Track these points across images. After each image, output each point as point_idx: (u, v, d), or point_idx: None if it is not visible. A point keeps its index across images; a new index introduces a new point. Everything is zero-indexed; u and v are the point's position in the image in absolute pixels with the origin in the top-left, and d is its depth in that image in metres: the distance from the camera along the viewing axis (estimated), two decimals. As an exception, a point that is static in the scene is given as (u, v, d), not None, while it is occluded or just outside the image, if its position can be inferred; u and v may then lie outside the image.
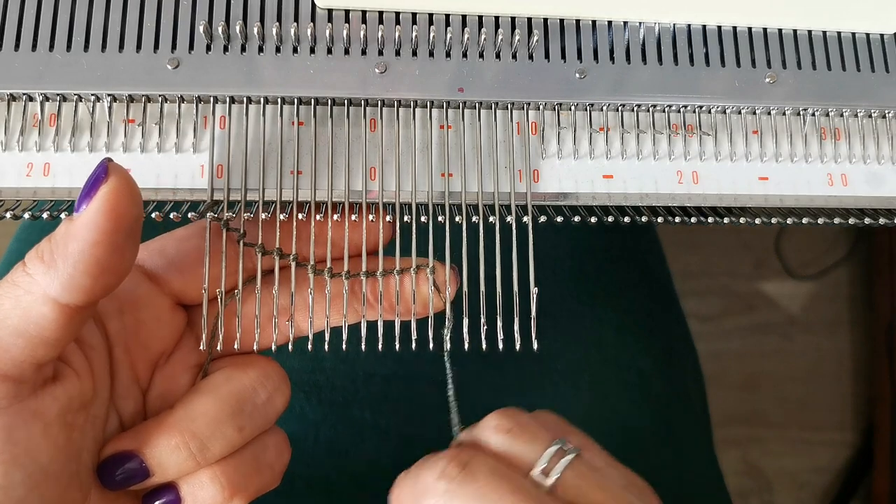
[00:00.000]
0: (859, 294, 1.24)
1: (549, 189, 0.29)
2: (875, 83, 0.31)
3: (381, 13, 0.29)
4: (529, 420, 0.27)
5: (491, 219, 0.28)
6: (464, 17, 0.29)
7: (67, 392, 0.24)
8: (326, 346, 0.27)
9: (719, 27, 0.31)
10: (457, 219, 0.28)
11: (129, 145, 0.28)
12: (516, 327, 0.27)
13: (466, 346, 0.27)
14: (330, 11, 0.29)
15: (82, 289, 0.22)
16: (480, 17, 0.29)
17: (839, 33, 0.31)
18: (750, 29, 0.31)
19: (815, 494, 1.18)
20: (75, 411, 0.25)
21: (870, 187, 0.31)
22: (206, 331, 0.27)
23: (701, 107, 0.30)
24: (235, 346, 0.28)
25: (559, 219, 0.29)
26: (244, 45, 0.28)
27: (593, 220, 0.29)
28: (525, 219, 0.28)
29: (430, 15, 0.29)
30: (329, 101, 0.29)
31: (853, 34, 0.31)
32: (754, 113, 0.31)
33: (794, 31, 0.31)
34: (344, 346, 0.28)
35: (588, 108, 0.30)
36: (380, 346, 0.28)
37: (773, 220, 0.31)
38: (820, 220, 0.31)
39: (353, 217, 0.28)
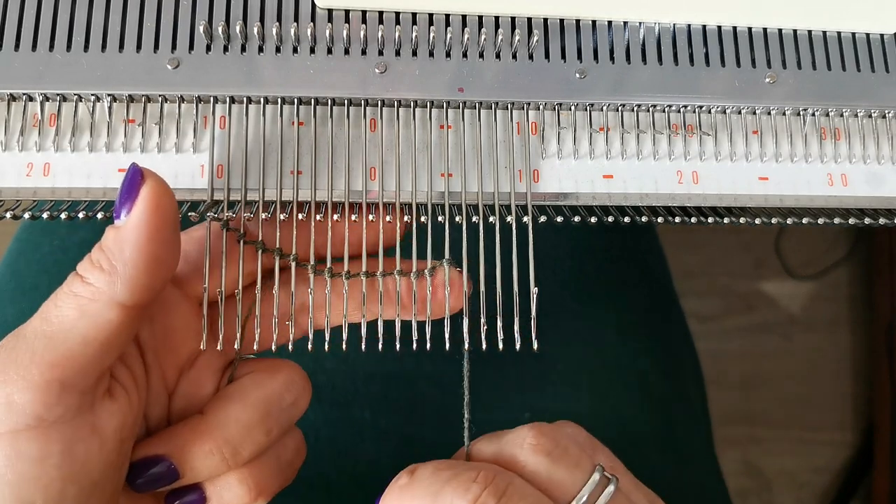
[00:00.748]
0: (859, 294, 1.24)
1: (549, 189, 0.29)
2: (875, 83, 0.31)
3: (381, 13, 0.29)
4: (567, 441, 0.25)
5: (491, 219, 0.28)
6: (464, 17, 0.29)
7: (122, 408, 0.25)
8: (326, 346, 0.27)
9: (719, 27, 0.31)
10: (457, 219, 0.28)
11: (129, 145, 0.28)
12: (516, 327, 0.27)
13: (466, 345, 0.27)
14: (330, 11, 0.29)
15: (144, 287, 0.24)
16: (480, 17, 0.29)
17: (839, 33, 0.31)
18: (750, 29, 0.31)
19: (815, 494, 1.18)
20: (129, 427, 0.25)
21: (870, 187, 0.31)
22: (233, 331, 0.27)
23: (701, 107, 0.30)
24: (243, 346, 0.28)
25: (559, 219, 0.29)
26: (244, 45, 0.28)
27: (593, 220, 0.29)
28: (525, 219, 0.28)
29: (430, 15, 0.29)
30: (329, 101, 0.29)
31: (853, 34, 0.31)
32: (754, 113, 0.31)
33: (794, 31, 0.31)
34: (344, 346, 0.28)
35: (588, 108, 0.30)
36: (380, 347, 0.28)
37: (773, 220, 0.31)
38: (820, 220, 0.31)
39: (354, 217, 0.28)
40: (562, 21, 0.30)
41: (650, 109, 0.30)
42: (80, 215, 0.27)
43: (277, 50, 0.28)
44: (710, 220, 0.30)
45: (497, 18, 0.30)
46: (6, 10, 0.28)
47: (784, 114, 0.31)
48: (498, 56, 0.29)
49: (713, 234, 1.21)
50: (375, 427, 0.44)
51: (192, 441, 0.26)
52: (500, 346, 0.27)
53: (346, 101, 0.29)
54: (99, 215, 0.28)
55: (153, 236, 0.23)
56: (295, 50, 0.28)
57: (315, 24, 0.28)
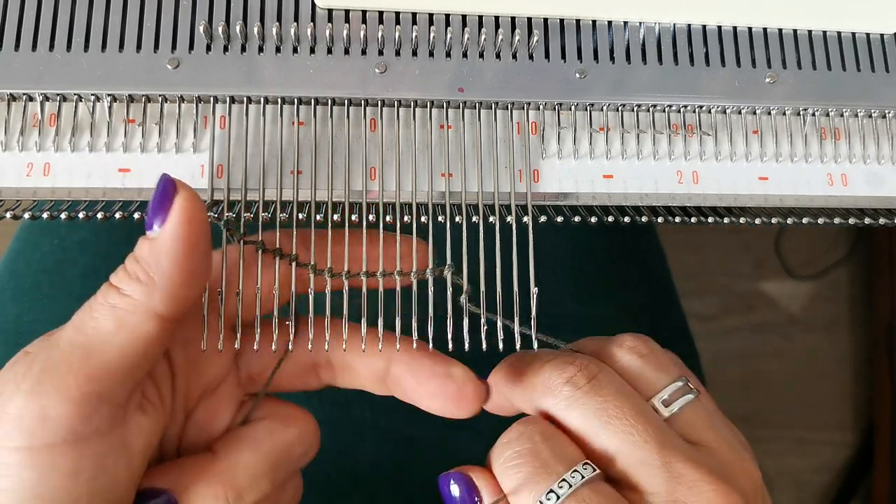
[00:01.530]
0: (859, 294, 1.24)
1: (549, 189, 0.29)
2: (875, 83, 0.31)
3: (381, 13, 0.29)
4: (661, 353, 0.28)
5: (491, 219, 0.28)
6: (464, 17, 0.29)
7: (150, 424, 0.25)
8: (327, 346, 0.27)
9: (719, 27, 0.31)
10: (457, 219, 0.28)
11: (129, 145, 0.28)
12: (516, 327, 0.27)
13: (467, 345, 0.27)
14: (330, 11, 0.29)
15: (181, 298, 0.24)
16: (480, 17, 0.29)
17: (839, 33, 0.31)
18: (750, 29, 0.31)
19: (815, 494, 1.18)
20: (153, 446, 0.25)
21: (870, 187, 0.31)
22: (237, 325, 0.27)
23: (701, 107, 0.30)
24: (235, 345, 0.28)
25: (559, 219, 0.29)
26: (244, 45, 0.28)
27: (593, 220, 0.29)
28: (525, 219, 0.28)
29: (430, 15, 0.29)
30: (329, 101, 0.29)
31: (853, 34, 0.31)
32: (754, 113, 0.31)
33: (794, 31, 0.31)
34: (344, 347, 0.28)
35: (588, 107, 0.30)
36: (380, 347, 0.28)
37: (773, 220, 0.31)
38: (820, 220, 0.31)
39: (354, 217, 0.28)
40: (562, 21, 0.30)
41: (650, 109, 0.30)
42: (80, 215, 0.27)
43: (277, 50, 0.28)
44: (710, 220, 0.30)
45: (497, 18, 0.30)
46: (6, 10, 0.28)
47: (784, 114, 0.31)
48: (498, 56, 0.29)
49: (713, 234, 1.21)
50: (375, 427, 0.44)
51: (199, 481, 0.26)
52: (500, 346, 0.27)
53: (346, 101, 0.29)
54: (99, 215, 0.28)
55: (189, 248, 0.23)
56: (295, 50, 0.28)
57: (315, 24, 0.28)
